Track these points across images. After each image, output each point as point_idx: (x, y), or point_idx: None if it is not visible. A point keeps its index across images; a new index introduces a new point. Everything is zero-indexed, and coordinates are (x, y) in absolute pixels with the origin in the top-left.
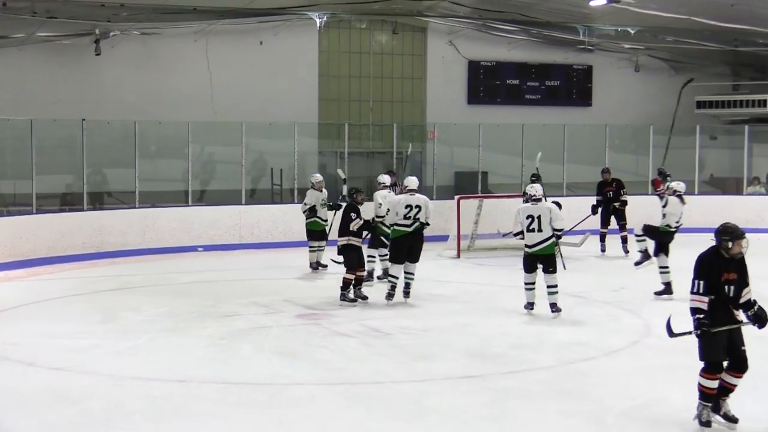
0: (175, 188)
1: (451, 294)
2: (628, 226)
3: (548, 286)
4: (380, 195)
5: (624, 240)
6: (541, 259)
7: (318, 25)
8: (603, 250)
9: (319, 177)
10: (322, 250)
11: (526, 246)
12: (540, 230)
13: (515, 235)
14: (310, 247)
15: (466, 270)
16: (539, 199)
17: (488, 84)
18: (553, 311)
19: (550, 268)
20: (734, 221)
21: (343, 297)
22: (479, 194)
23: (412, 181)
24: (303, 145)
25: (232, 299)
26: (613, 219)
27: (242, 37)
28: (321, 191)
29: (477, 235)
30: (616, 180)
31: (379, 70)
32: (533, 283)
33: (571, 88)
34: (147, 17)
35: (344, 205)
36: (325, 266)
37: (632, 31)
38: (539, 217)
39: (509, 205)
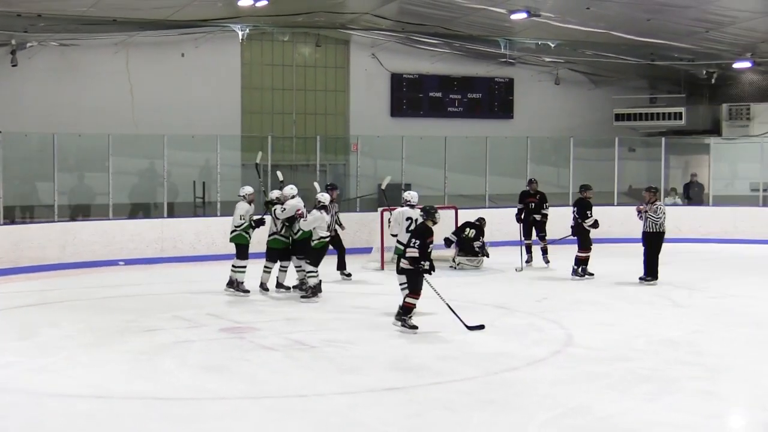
0: (95, 201)
1: (375, 306)
2: (547, 237)
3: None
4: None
5: (544, 251)
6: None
7: (240, 37)
8: (528, 262)
9: (250, 189)
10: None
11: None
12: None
13: (393, 235)
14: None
15: (390, 282)
16: (414, 205)
17: (411, 96)
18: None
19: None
20: None
21: (404, 323)
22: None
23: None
24: (226, 157)
25: (153, 313)
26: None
27: (163, 49)
28: (251, 204)
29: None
30: (541, 193)
31: (302, 83)
32: None
33: (493, 100)
34: (65, 28)
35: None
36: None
37: (552, 45)
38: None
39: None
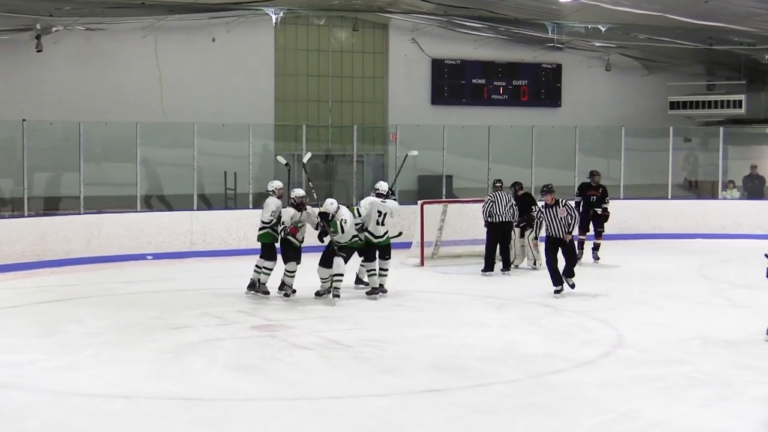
0: (122, 193)
1: (415, 304)
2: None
3: (381, 269)
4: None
5: (596, 247)
6: (382, 249)
7: (274, 21)
8: (579, 258)
9: (279, 184)
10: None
11: (373, 236)
12: (383, 224)
13: (358, 225)
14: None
15: (430, 278)
16: (385, 196)
17: (453, 84)
18: (379, 292)
19: (386, 255)
20: (709, 227)
21: None
22: (443, 199)
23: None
24: (258, 147)
25: (181, 310)
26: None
27: (193, 34)
28: (280, 199)
29: (441, 242)
30: (603, 186)
31: (338, 69)
32: (376, 270)
33: (539, 87)
34: (92, 12)
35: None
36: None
37: (603, 29)
38: (386, 214)
39: (475, 210)
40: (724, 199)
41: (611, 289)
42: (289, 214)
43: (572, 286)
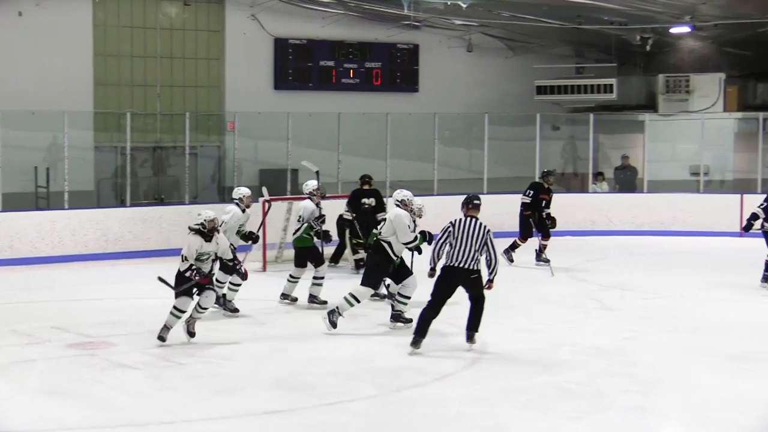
0: None
1: (256, 314)
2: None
3: (315, 278)
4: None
5: (513, 248)
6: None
7: None
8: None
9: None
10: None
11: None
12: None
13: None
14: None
15: (274, 285)
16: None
17: (298, 66)
18: (311, 301)
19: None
20: (578, 224)
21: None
22: (288, 196)
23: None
24: (75, 138)
25: None
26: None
27: None
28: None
29: (286, 244)
30: (551, 190)
31: (167, 49)
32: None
33: (394, 70)
34: None
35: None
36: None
37: (464, 5)
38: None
39: (325, 208)
40: (594, 192)
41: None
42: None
43: (471, 340)
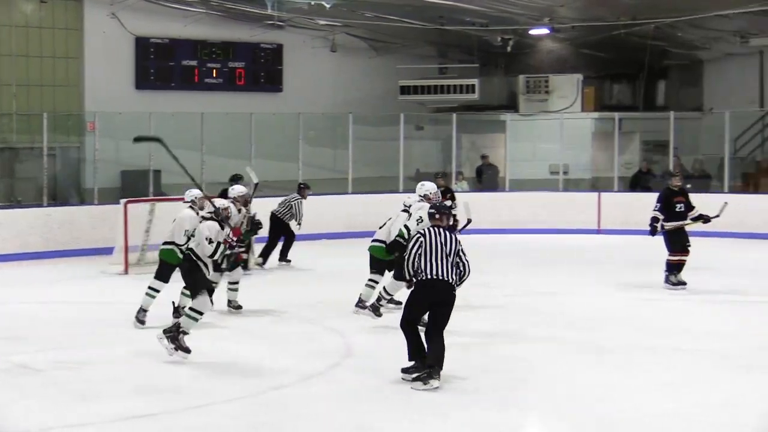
0: None
1: (117, 318)
2: None
3: (231, 283)
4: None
5: None
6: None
7: None
8: None
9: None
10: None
11: None
12: None
13: None
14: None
15: (136, 288)
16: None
17: (160, 65)
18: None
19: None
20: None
21: None
22: (151, 197)
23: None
24: None
25: None
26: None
27: None
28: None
29: (149, 246)
30: (449, 189)
31: (23, 47)
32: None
33: (258, 70)
34: None
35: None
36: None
37: (327, 5)
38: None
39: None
40: (455, 191)
41: (341, 292)
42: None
43: (436, 376)
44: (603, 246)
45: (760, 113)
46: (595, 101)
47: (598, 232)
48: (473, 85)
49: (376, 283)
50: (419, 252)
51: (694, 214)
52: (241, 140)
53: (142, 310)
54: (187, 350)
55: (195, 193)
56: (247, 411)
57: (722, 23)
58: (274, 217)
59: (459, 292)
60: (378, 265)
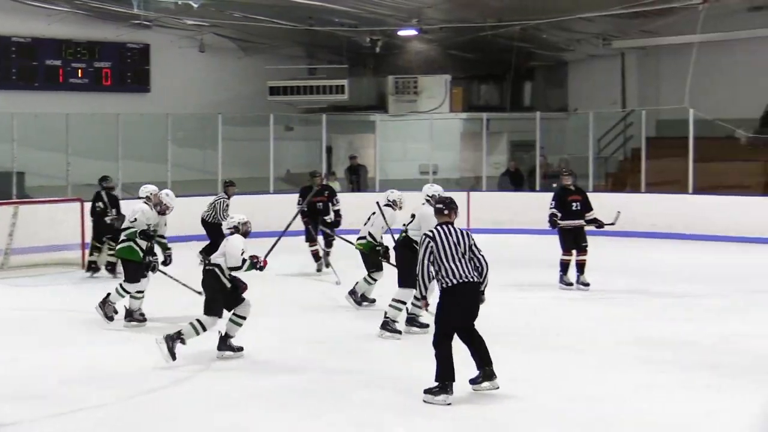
0: None
1: None
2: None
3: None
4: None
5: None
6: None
7: None
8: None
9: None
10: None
11: None
12: None
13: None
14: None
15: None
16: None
17: (23, 65)
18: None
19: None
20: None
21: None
22: (14, 200)
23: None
24: None
25: None
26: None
27: None
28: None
29: (12, 250)
30: (329, 187)
31: None
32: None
33: (125, 70)
34: None
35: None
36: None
37: (195, 5)
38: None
39: (54, 212)
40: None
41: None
42: None
43: (493, 377)
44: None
45: (622, 113)
46: (464, 102)
47: (468, 230)
48: (343, 86)
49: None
50: (431, 259)
51: (591, 215)
52: (109, 141)
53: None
54: (240, 348)
55: (150, 188)
56: (113, 416)
57: (585, 26)
58: (204, 221)
59: (332, 294)
60: (369, 261)
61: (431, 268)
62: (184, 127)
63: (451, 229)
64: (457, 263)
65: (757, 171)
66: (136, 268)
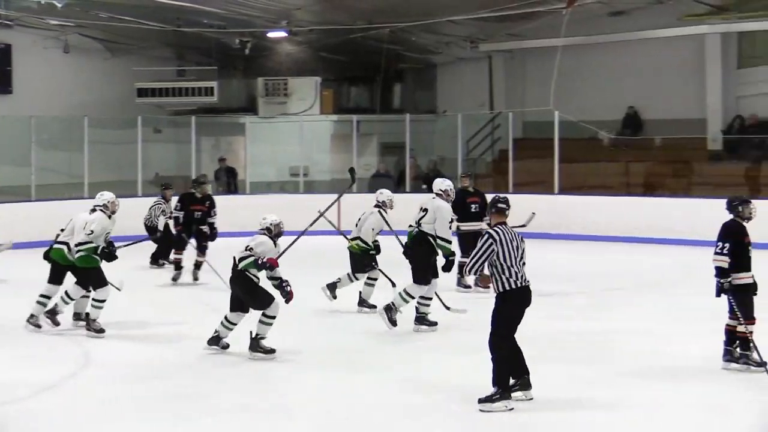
0: None
1: None
2: None
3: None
4: None
5: (197, 266)
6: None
7: None
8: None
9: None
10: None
11: None
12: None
13: None
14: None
15: None
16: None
17: None
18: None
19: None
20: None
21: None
22: None
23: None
24: None
25: None
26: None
27: None
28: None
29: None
30: (210, 198)
31: None
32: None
33: None
34: None
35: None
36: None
37: (59, 5)
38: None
39: None
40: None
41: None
42: None
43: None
44: (343, 247)
45: (490, 115)
46: (334, 104)
47: (339, 233)
48: (212, 88)
49: (375, 279)
50: (490, 260)
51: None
52: None
53: (33, 316)
54: (272, 350)
55: (108, 196)
56: None
57: (453, 28)
58: (145, 226)
59: (201, 297)
60: (358, 262)
61: (484, 267)
62: (48, 130)
63: (511, 232)
64: (519, 266)
65: (619, 171)
66: (99, 271)
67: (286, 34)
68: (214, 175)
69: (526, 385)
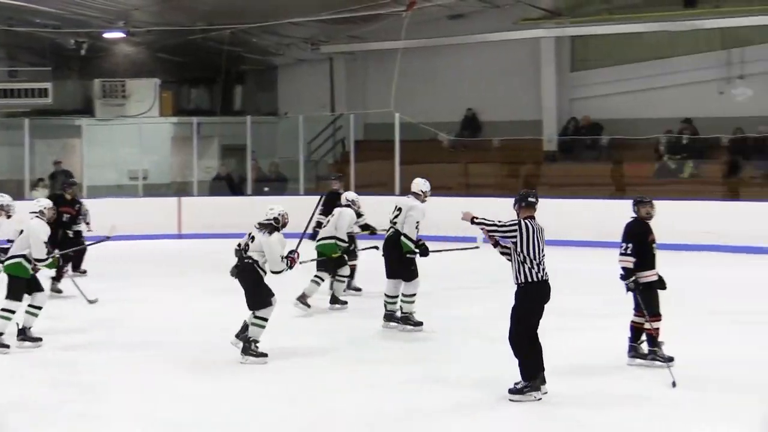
0: None
1: None
2: None
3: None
4: None
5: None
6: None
7: None
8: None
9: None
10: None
11: None
12: None
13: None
14: None
15: None
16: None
17: None
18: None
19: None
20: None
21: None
22: None
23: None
24: None
25: None
26: None
27: None
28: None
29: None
30: (80, 202)
31: None
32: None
33: None
34: None
35: None
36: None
37: None
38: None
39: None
40: (32, 199)
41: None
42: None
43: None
44: (185, 250)
45: (332, 117)
46: (174, 106)
47: (180, 236)
48: (46, 89)
49: (322, 280)
50: (502, 239)
51: (362, 221)
52: None
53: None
54: (264, 354)
55: (45, 202)
56: None
57: (294, 30)
58: None
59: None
60: (325, 262)
61: (498, 248)
62: None
63: (537, 225)
64: (543, 260)
65: (458, 172)
66: (22, 285)
67: (123, 35)
68: (48, 178)
69: (540, 381)
